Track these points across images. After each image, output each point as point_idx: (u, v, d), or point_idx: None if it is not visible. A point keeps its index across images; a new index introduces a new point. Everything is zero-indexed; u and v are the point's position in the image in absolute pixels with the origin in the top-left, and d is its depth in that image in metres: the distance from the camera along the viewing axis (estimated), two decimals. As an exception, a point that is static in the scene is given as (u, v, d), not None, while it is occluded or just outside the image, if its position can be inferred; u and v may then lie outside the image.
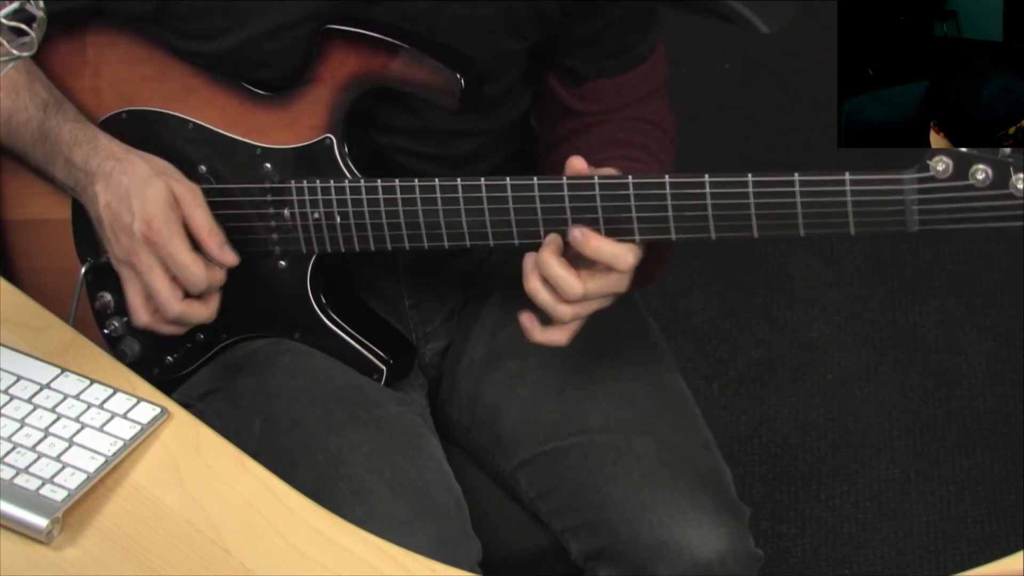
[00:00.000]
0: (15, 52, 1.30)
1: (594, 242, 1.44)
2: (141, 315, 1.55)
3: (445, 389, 1.70)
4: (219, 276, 1.54)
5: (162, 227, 1.50)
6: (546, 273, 1.45)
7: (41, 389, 1.39)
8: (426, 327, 1.69)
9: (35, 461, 1.33)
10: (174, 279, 1.52)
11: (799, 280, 2.76)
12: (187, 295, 1.53)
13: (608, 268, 1.46)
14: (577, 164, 1.46)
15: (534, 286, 1.47)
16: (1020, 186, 1.31)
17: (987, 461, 2.48)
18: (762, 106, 3.13)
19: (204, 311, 1.55)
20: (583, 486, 1.59)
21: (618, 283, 1.47)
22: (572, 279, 1.45)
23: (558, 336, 1.50)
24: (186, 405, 1.47)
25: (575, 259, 1.47)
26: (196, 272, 1.51)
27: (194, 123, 1.57)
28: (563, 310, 1.47)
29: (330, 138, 1.53)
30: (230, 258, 1.53)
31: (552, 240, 1.46)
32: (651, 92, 1.65)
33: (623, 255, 1.45)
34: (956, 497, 2.43)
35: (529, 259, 1.47)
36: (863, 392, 2.59)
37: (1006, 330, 2.69)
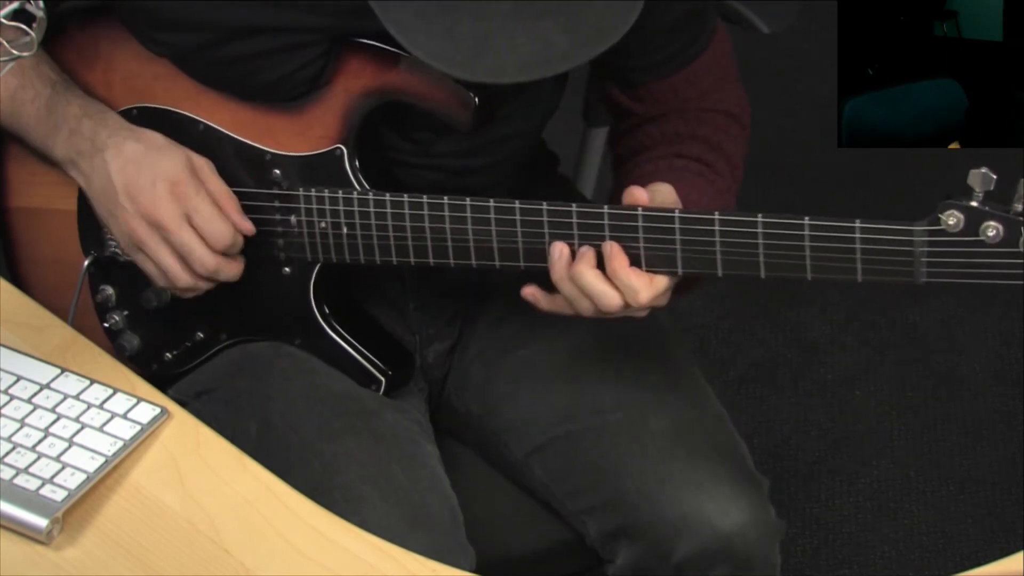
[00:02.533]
0: (15, 52, 1.30)
1: (616, 264, 1.43)
2: (181, 277, 1.53)
3: (453, 384, 1.71)
4: (239, 238, 1.54)
5: (188, 183, 1.51)
6: (580, 282, 1.44)
7: (41, 389, 1.38)
8: (430, 329, 1.69)
9: (35, 461, 1.32)
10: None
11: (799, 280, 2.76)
12: None
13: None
14: (638, 195, 1.45)
15: (560, 276, 1.46)
16: None
17: (987, 461, 2.48)
18: (762, 106, 3.13)
19: (235, 267, 1.55)
20: (599, 466, 1.59)
21: (637, 311, 1.47)
22: (612, 295, 1.44)
23: (565, 306, 1.49)
24: (181, 403, 1.47)
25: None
26: (220, 224, 1.51)
27: (205, 124, 1.57)
28: (586, 307, 1.46)
29: (341, 148, 1.52)
30: (248, 225, 1.53)
31: (587, 252, 1.44)
32: (711, 86, 1.64)
33: (639, 289, 1.44)
34: (956, 497, 2.43)
35: (558, 248, 1.46)
36: (863, 392, 2.59)
37: (1006, 330, 2.69)
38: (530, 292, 1.49)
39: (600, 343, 1.65)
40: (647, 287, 1.44)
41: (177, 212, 1.51)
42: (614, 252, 1.43)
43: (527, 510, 1.68)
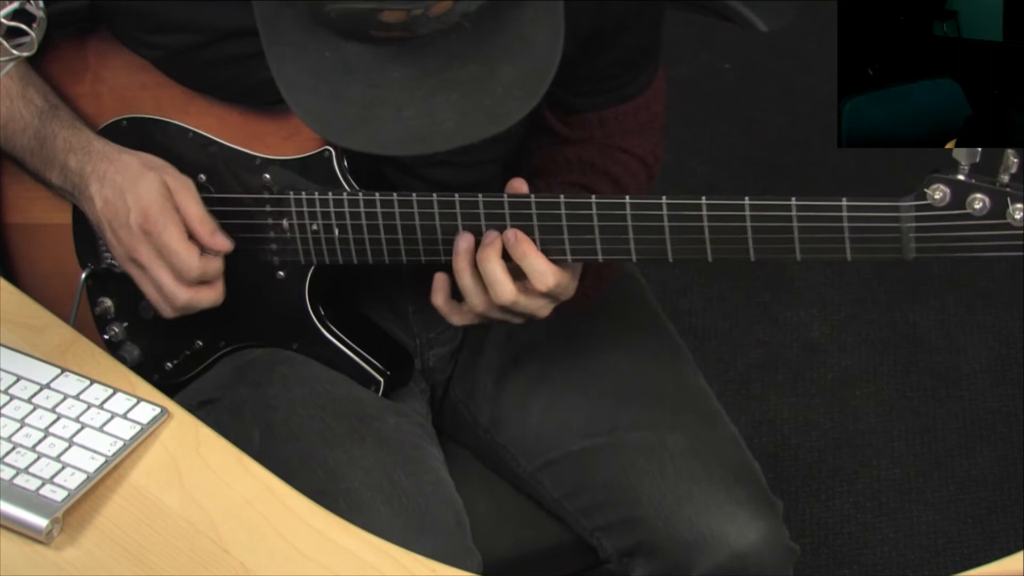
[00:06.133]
0: (15, 52, 1.30)
1: (524, 247, 1.45)
2: (164, 308, 1.55)
3: (460, 391, 1.71)
4: (214, 265, 1.54)
5: (158, 217, 1.51)
6: (484, 268, 1.46)
7: (41, 389, 1.39)
8: (430, 332, 1.69)
9: (35, 461, 1.33)
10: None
11: (799, 280, 2.76)
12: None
13: (530, 286, 1.47)
14: (518, 186, 1.47)
15: (462, 266, 1.47)
16: (1017, 216, 1.30)
17: (987, 461, 2.48)
18: (762, 106, 3.13)
19: (211, 295, 1.55)
20: (616, 484, 1.59)
21: (540, 308, 1.49)
22: (508, 285, 1.46)
23: (458, 318, 1.51)
24: (184, 412, 1.47)
25: (513, 271, 1.47)
26: (187, 260, 1.51)
27: (194, 132, 1.57)
28: (478, 302, 1.48)
29: (329, 151, 1.52)
30: (222, 244, 1.54)
31: (496, 239, 1.46)
32: (636, 128, 1.65)
33: (546, 273, 1.45)
34: (956, 497, 2.43)
35: (465, 239, 1.47)
36: (863, 392, 2.59)
37: (1006, 330, 2.69)
38: (442, 282, 1.50)
39: (614, 360, 1.65)
40: (553, 273, 1.45)
41: (150, 250, 1.52)
42: (519, 237, 1.45)
43: (531, 510, 1.68)
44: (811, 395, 2.59)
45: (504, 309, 1.49)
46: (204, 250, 1.53)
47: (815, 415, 2.56)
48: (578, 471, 1.62)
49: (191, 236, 1.53)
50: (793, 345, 2.67)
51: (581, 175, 1.61)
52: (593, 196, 1.44)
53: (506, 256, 1.47)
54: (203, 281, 1.54)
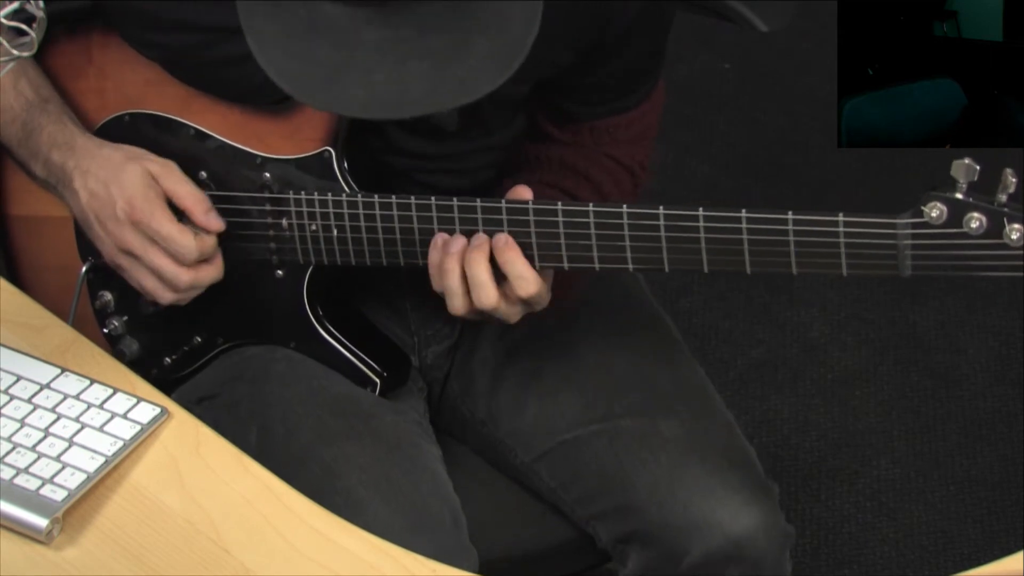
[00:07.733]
0: (15, 52, 1.30)
1: (511, 253, 1.45)
2: (163, 295, 1.55)
3: (457, 387, 1.71)
4: (210, 243, 1.54)
5: (143, 205, 1.51)
6: (471, 271, 1.46)
7: (41, 389, 1.39)
8: (428, 329, 1.69)
9: (35, 461, 1.33)
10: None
11: (799, 280, 2.76)
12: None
13: (510, 292, 1.47)
14: (521, 192, 1.47)
15: (451, 267, 1.47)
16: (1014, 236, 1.29)
17: (987, 461, 2.48)
18: (762, 106, 3.13)
19: (212, 271, 1.55)
20: (610, 472, 1.60)
21: (514, 315, 1.50)
22: (492, 290, 1.46)
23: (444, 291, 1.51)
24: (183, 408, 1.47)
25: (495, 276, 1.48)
26: (183, 242, 1.51)
27: (196, 129, 1.57)
28: (460, 304, 1.48)
29: (329, 151, 1.52)
30: (216, 223, 1.54)
31: (484, 242, 1.46)
32: (627, 140, 1.64)
33: (529, 280, 1.46)
34: (956, 497, 2.43)
35: (458, 242, 1.47)
36: (863, 392, 2.59)
37: (1006, 330, 2.69)
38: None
39: (606, 349, 1.65)
40: (536, 281, 1.46)
41: (141, 237, 1.52)
42: (509, 243, 1.45)
43: (530, 508, 1.68)
44: (811, 395, 2.59)
45: (481, 312, 1.49)
46: (198, 230, 1.53)
47: (815, 415, 2.56)
48: (573, 459, 1.62)
49: (183, 217, 1.53)
50: (793, 345, 2.67)
51: (560, 177, 1.61)
52: (591, 204, 1.44)
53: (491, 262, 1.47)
54: (202, 260, 1.54)
